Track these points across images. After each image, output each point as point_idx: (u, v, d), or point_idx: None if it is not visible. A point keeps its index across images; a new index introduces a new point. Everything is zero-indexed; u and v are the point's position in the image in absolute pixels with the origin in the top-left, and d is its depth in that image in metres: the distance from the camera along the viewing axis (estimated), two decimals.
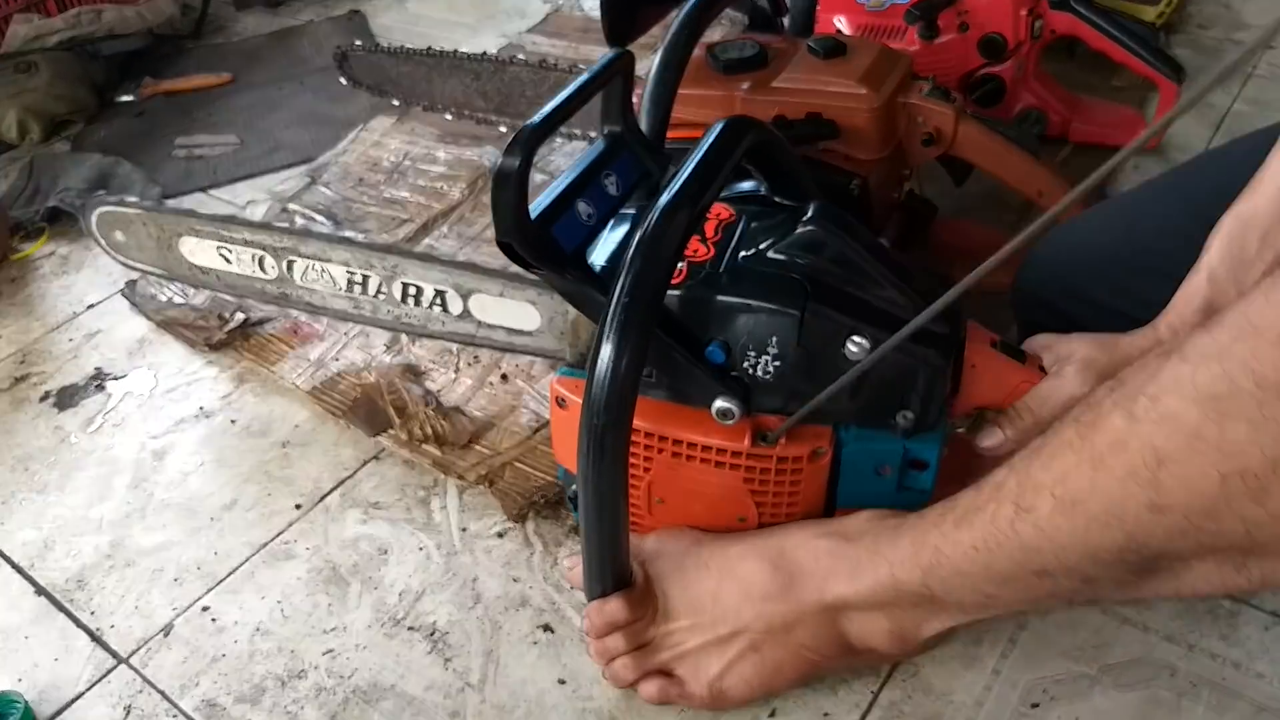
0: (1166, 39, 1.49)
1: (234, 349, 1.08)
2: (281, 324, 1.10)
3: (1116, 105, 1.31)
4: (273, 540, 0.87)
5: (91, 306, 1.18)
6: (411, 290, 0.94)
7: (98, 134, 1.51)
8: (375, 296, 0.97)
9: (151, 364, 1.08)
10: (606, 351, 0.57)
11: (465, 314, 0.93)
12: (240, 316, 1.10)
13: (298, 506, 0.90)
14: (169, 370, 1.06)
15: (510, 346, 0.94)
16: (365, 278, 0.96)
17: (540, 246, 0.63)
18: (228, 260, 1.03)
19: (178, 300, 1.15)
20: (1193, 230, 0.73)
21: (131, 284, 1.19)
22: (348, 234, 1.10)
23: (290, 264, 0.99)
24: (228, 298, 1.14)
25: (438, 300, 0.94)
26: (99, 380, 1.06)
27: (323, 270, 0.98)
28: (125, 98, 1.61)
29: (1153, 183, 0.87)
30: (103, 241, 1.11)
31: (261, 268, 1.01)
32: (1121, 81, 1.37)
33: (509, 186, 0.61)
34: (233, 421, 0.99)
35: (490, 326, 0.93)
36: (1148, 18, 1.44)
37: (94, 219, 1.10)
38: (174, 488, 0.93)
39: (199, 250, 1.04)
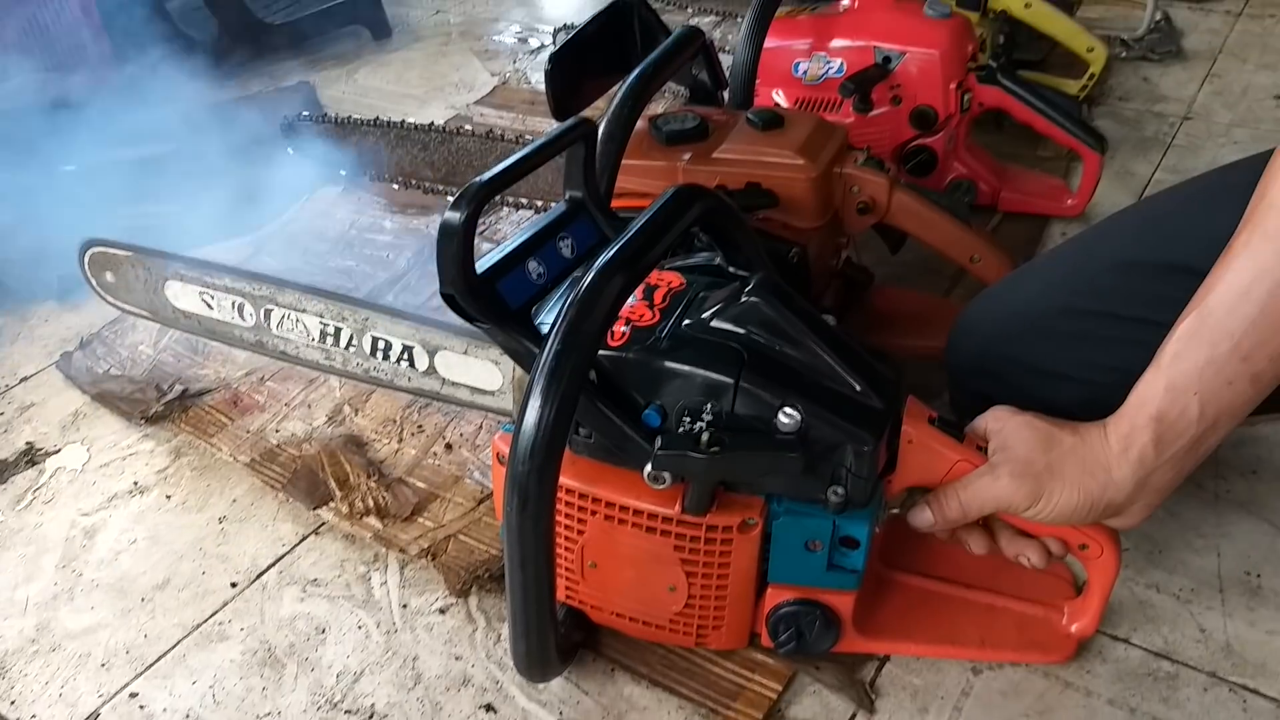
0: (1089, 111, 1.55)
1: (171, 422, 1.06)
2: (221, 396, 1.09)
3: (1043, 175, 1.36)
4: (206, 621, 0.84)
5: (25, 379, 1.15)
6: (381, 344, 0.96)
7: (39, 203, 1.49)
8: (346, 349, 0.98)
9: (86, 438, 1.05)
10: (535, 399, 0.57)
11: (431, 370, 0.94)
12: (179, 388, 1.08)
13: (233, 585, 0.87)
14: (103, 444, 1.04)
15: (472, 405, 0.94)
16: (338, 329, 0.98)
17: (482, 300, 0.64)
18: (209, 305, 1.04)
19: (114, 372, 1.13)
20: (1115, 286, 0.75)
21: (67, 356, 1.17)
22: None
23: (268, 312, 1.01)
24: (167, 369, 1.13)
25: (405, 355, 0.95)
26: (30, 455, 1.03)
27: (298, 320, 0.99)
28: (68, 166, 1.59)
29: (1072, 242, 0.88)
30: (93, 281, 1.13)
31: (240, 315, 1.03)
32: (1047, 152, 1.43)
33: (454, 239, 0.62)
34: (168, 497, 0.97)
35: (454, 384, 0.94)
36: (1071, 91, 1.50)
37: (86, 259, 1.11)
38: (104, 567, 0.90)
39: (183, 294, 1.06)
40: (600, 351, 0.65)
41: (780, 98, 1.26)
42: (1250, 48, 1.79)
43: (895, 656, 0.77)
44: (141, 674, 0.80)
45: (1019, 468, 0.65)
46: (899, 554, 0.80)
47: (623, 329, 0.67)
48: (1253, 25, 1.87)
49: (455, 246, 0.62)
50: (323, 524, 0.93)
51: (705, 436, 0.63)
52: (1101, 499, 0.64)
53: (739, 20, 1.56)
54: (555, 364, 0.57)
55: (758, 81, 1.15)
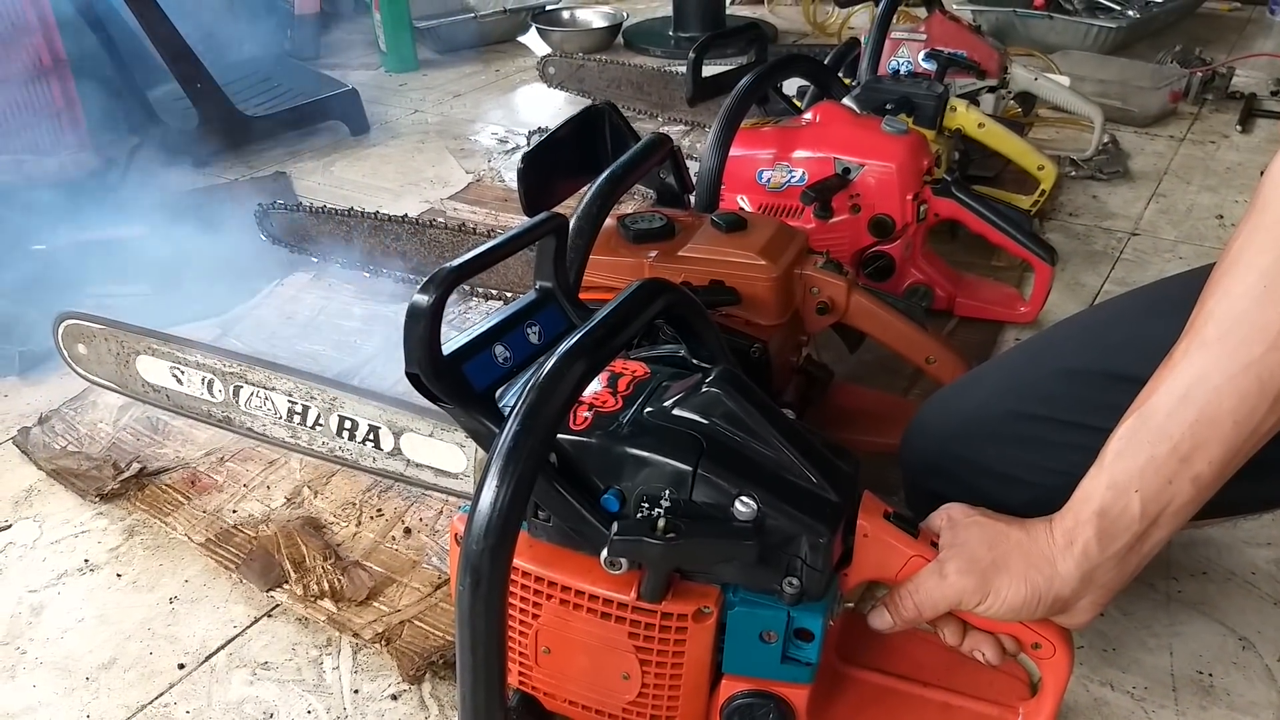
0: (1040, 225, 1.62)
1: (127, 500, 1.05)
2: (179, 475, 1.08)
3: (997, 283, 1.41)
4: (151, 702, 0.82)
5: None
6: (348, 424, 0.96)
7: (6, 280, 1.49)
8: (313, 428, 0.99)
9: (38, 515, 1.04)
10: (491, 478, 0.57)
11: (396, 451, 0.95)
12: (136, 467, 1.08)
13: (181, 666, 0.86)
14: (55, 521, 1.03)
15: (436, 487, 0.95)
16: (305, 408, 0.98)
17: (446, 381, 0.65)
18: (179, 380, 1.05)
19: (72, 449, 1.12)
20: (1060, 393, 0.78)
21: (25, 431, 1.15)
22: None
23: (237, 389, 1.01)
24: (125, 447, 1.12)
25: (371, 436, 0.95)
26: None
27: (266, 398, 1.00)
28: (38, 245, 1.60)
29: (1020, 349, 0.91)
30: (65, 353, 1.13)
31: (210, 391, 1.03)
32: (1001, 261, 1.48)
33: (421, 321, 0.63)
34: (119, 575, 0.95)
35: (418, 466, 0.95)
36: (1023, 205, 1.57)
37: (60, 331, 1.11)
38: (49, 645, 0.88)
39: (153, 369, 1.06)
40: (562, 435, 0.67)
41: (744, 203, 1.31)
42: (1194, 170, 1.88)
43: None
44: None
45: (965, 564, 0.66)
46: (856, 650, 0.80)
47: (585, 414, 0.68)
48: (1195, 150, 1.98)
49: (422, 328, 0.63)
50: (276, 606, 0.91)
51: (662, 523, 0.63)
52: (1048, 593, 0.65)
53: (706, 129, 1.62)
54: (513, 444, 0.58)
55: (723, 188, 1.20)
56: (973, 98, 1.59)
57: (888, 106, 1.40)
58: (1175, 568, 0.95)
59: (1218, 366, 0.60)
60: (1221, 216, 1.69)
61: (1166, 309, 0.66)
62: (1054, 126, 2.02)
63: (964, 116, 1.49)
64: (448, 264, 0.65)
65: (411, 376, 0.64)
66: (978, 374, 0.90)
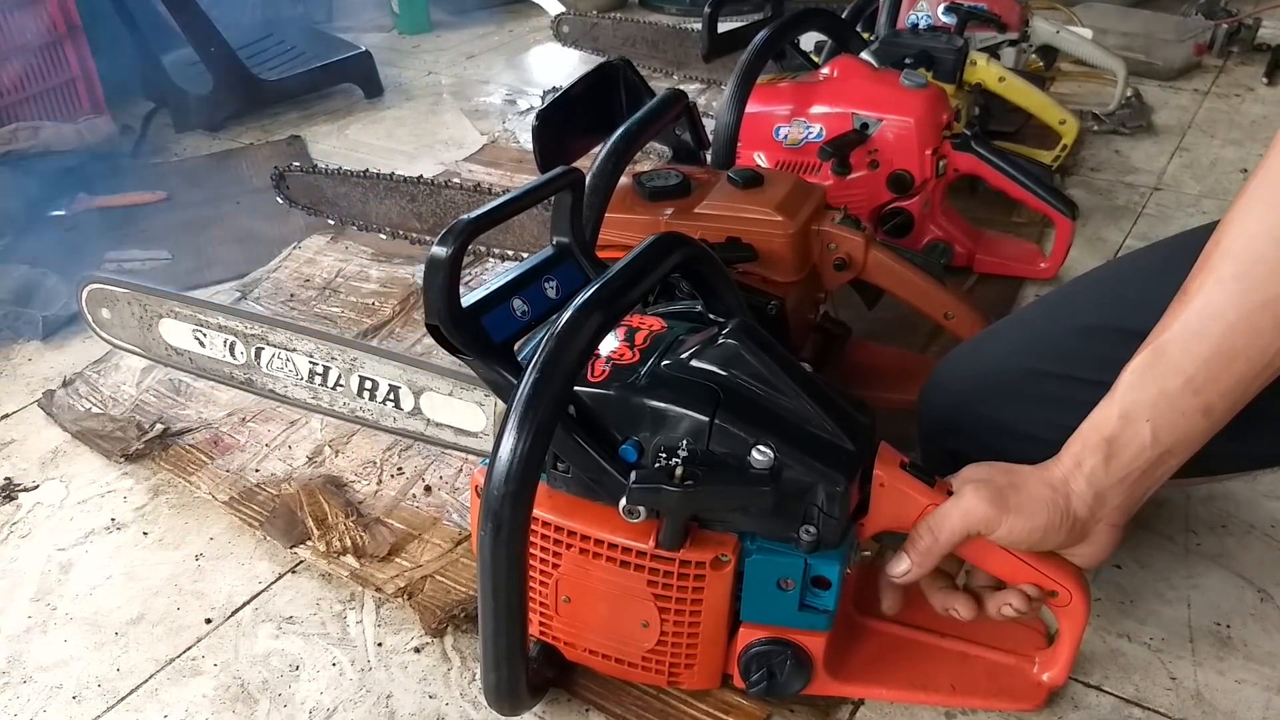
0: (1062, 180, 1.60)
1: (151, 460, 1.06)
2: (202, 435, 1.09)
3: (1017, 239, 1.40)
4: (180, 656, 0.84)
5: (6, 416, 1.15)
6: (368, 384, 0.97)
7: (26, 246, 1.51)
8: (334, 388, 0.99)
9: (64, 475, 1.05)
10: (511, 427, 0.58)
11: (416, 411, 0.95)
12: (159, 427, 1.09)
13: (208, 621, 0.87)
14: (82, 481, 1.04)
15: (455, 446, 0.95)
16: (326, 369, 0.99)
17: (466, 332, 0.65)
18: (201, 343, 1.05)
19: (96, 411, 1.14)
20: (1077, 350, 0.78)
21: (49, 394, 1.17)
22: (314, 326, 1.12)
23: (259, 351, 1.02)
24: (149, 409, 1.13)
25: (391, 396, 0.96)
26: (8, 491, 1.03)
27: (288, 359, 1.00)
28: (57, 212, 1.61)
29: (1037, 305, 0.91)
30: (89, 317, 1.13)
31: (232, 353, 1.04)
32: (1021, 218, 1.47)
33: (440, 272, 0.63)
34: (145, 534, 0.97)
35: (439, 425, 0.95)
36: (1045, 160, 1.55)
37: (84, 295, 1.12)
38: (79, 601, 0.90)
39: (176, 332, 1.07)
40: (581, 388, 0.67)
41: (761, 160, 1.30)
42: (1218, 124, 1.85)
43: (868, 701, 0.78)
44: (113, 707, 0.79)
45: (981, 486, 0.67)
46: (874, 602, 0.81)
47: (603, 367, 0.69)
48: (1220, 104, 1.95)
49: (441, 279, 0.64)
50: (300, 562, 0.93)
51: (679, 471, 0.64)
52: (1067, 513, 0.66)
53: (723, 87, 1.61)
54: (532, 393, 0.58)
55: (739, 145, 1.19)
56: (993, 51, 1.57)
57: (906, 61, 1.38)
58: (1194, 521, 0.95)
59: (1233, 303, 0.61)
60: (1246, 170, 1.67)
61: (1183, 264, 0.66)
62: (1076, 80, 1.99)
63: (984, 70, 1.47)
64: (465, 216, 0.65)
65: (431, 328, 0.65)
66: (994, 331, 0.90)
